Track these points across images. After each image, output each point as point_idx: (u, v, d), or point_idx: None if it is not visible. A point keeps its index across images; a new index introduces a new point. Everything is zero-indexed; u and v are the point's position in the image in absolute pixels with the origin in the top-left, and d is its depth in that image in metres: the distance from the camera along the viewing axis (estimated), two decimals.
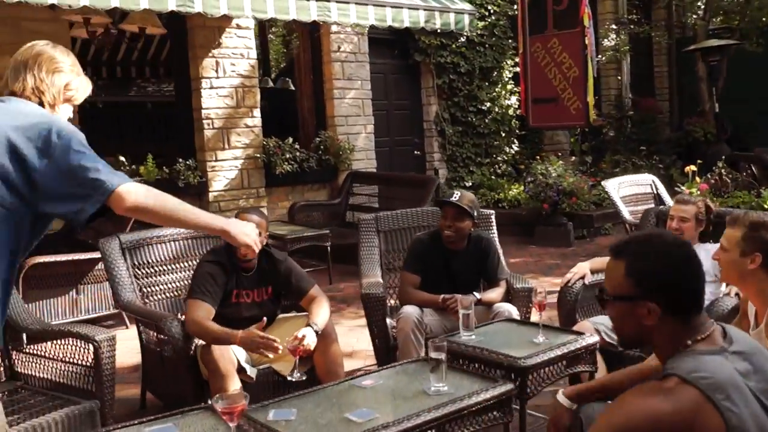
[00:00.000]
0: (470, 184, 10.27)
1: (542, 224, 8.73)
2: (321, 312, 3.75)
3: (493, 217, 5.00)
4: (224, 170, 8.12)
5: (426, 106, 10.33)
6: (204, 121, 7.96)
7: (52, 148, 2.10)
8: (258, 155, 8.28)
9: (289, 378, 3.55)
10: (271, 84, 12.29)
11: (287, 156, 8.39)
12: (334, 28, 8.98)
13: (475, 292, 4.10)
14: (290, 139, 8.61)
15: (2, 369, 3.67)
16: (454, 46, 10.10)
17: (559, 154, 10.21)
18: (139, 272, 4.28)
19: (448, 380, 2.92)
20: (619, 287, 1.90)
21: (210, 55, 7.98)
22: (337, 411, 2.74)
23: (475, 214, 4.19)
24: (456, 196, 4.18)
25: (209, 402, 2.75)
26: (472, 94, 10.37)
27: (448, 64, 10.10)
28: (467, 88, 10.35)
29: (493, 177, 10.39)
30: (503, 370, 3.08)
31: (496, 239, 4.90)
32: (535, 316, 4.06)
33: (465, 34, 8.93)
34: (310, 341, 3.50)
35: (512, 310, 4.01)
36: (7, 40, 6.66)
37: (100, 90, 12.27)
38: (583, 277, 4.11)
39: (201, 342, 3.54)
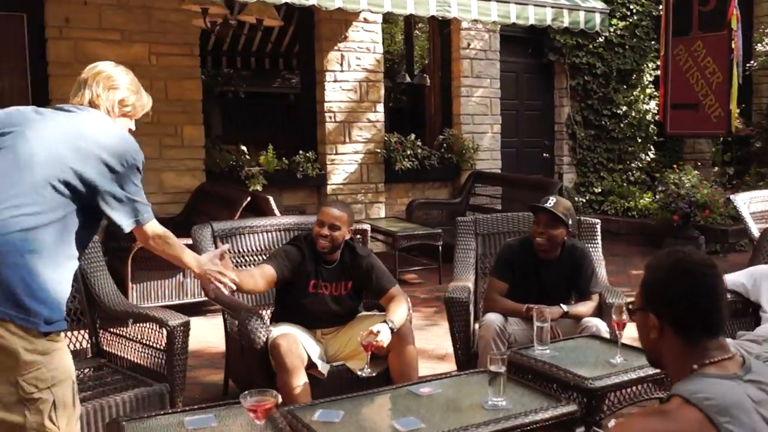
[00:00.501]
0: (599, 190, 9.81)
1: (672, 236, 8.18)
2: (398, 311, 3.64)
3: (598, 227, 4.70)
4: (344, 164, 8.15)
5: (558, 107, 9.95)
6: (326, 114, 8.03)
7: (120, 172, 2.34)
8: (378, 150, 8.26)
9: (359, 373, 3.48)
10: (408, 80, 12.26)
11: (408, 153, 8.32)
12: (464, 24, 8.82)
13: (563, 305, 3.85)
14: (412, 136, 8.54)
15: (90, 346, 3.81)
16: (591, 46, 9.66)
17: (699, 163, 9.54)
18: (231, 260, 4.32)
19: (509, 395, 2.74)
20: (636, 298, 1.83)
21: (335, 48, 8.03)
22: (385, 417, 2.63)
23: (570, 222, 3.95)
24: (551, 202, 3.94)
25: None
26: (607, 96, 9.88)
27: (584, 64, 9.68)
28: (603, 90, 9.87)
29: (624, 184, 9.87)
30: (570, 391, 2.86)
31: (599, 250, 4.62)
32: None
33: (603, 34, 8.48)
34: (384, 338, 3.39)
35: (601, 326, 3.73)
36: (137, 28, 6.99)
37: (241, 80, 12.74)
38: None
39: (273, 336, 3.51)
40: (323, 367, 3.55)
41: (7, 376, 2.09)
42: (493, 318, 3.81)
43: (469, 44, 8.91)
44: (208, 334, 5.33)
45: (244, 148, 7.69)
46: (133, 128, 2.63)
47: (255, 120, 12.18)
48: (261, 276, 3.57)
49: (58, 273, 2.22)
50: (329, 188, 8.05)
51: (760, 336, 3.61)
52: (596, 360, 3.15)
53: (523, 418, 2.55)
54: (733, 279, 4.03)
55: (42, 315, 2.13)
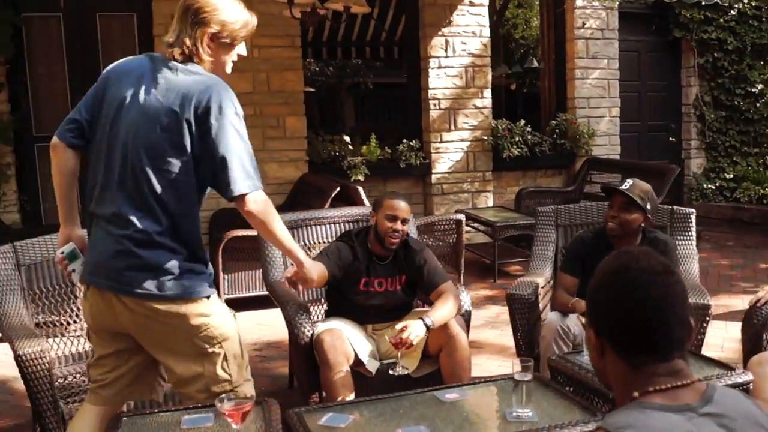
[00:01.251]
0: (731, 176, 9.05)
1: None
2: (442, 308, 3.46)
3: (692, 217, 4.27)
4: (449, 152, 7.95)
5: (685, 87, 9.25)
6: (431, 102, 7.85)
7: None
8: (486, 137, 8.00)
9: (391, 372, 3.36)
10: (536, 64, 11.85)
11: (516, 139, 8.01)
12: (579, 2, 8.37)
13: None
14: (522, 122, 8.21)
15: None
16: (721, 20, 8.89)
17: None
18: None
19: (542, 405, 2.52)
20: None
21: (440, 33, 7.82)
22: (394, 423, 2.47)
23: (648, 207, 3.58)
24: (627, 183, 3.59)
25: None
26: (741, 74, 9.07)
27: (713, 40, 8.93)
28: (735, 67, 9.07)
29: (760, 169, 9.05)
30: (610, 403, 2.58)
31: (693, 243, 4.20)
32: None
33: (734, 6, 7.76)
34: (414, 334, 3.24)
35: None
36: None
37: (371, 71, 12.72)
38: None
39: (319, 331, 3.43)
40: (371, 365, 3.42)
41: (185, 337, 2.41)
42: (554, 318, 3.54)
43: (584, 23, 8.43)
44: None
45: (347, 138, 7.67)
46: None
47: (376, 110, 12.19)
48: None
49: None
50: (433, 177, 7.89)
51: None
52: None
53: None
54: None
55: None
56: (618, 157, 8.62)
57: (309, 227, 4.32)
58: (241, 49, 2.54)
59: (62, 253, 2.55)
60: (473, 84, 7.98)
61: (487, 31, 8.01)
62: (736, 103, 9.11)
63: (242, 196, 2.37)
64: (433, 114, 7.86)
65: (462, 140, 7.98)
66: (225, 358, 2.46)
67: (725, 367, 2.79)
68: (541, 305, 3.98)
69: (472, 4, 7.89)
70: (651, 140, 9.14)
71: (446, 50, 7.86)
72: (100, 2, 7.12)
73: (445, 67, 7.87)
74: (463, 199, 7.98)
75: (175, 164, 2.35)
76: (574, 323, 3.55)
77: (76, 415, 2.65)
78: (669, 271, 1.43)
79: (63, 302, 3.57)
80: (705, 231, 8.69)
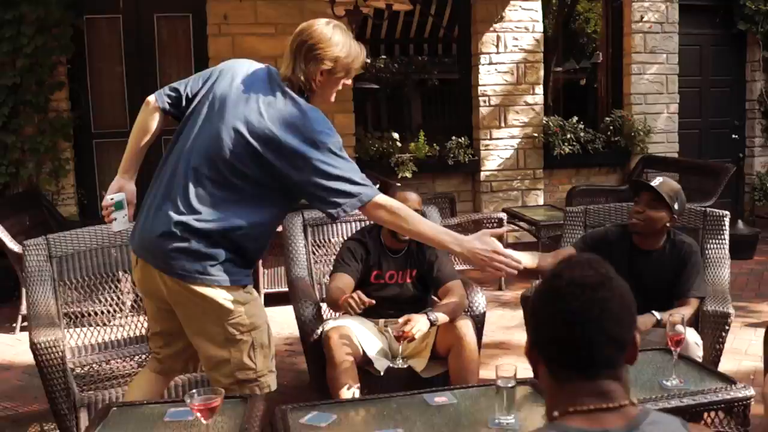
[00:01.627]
0: None
1: None
2: (449, 305, 3.48)
3: (726, 219, 4.11)
4: (499, 149, 7.89)
5: (750, 82, 8.90)
6: (480, 98, 7.80)
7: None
8: (536, 135, 7.89)
9: (390, 365, 3.38)
10: (596, 59, 11.60)
11: (568, 136, 7.87)
12: None
13: (655, 311, 3.38)
14: (575, 118, 8.07)
15: None
16: None
17: None
18: (318, 251, 4.36)
19: (525, 411, 2.51)
20: None
21: (491, 29, 7.76)
22: (375, 425, 2.50)
23: (676, 207, 3.47)
24: (657, 181, 3.50)
25: None
26: None
27: None
28: None
29: None
30: None
31: (725, 247, 4.04)
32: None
33: None
34: (417, 327, 3.26)
35: (692, 339, 3.25)
36: (290, 21, 7.14)
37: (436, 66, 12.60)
38: None
39: (327, 328, 3.48)
40: (379, 364, 3.43)
41: (216, 321, 2.49)
42: None
43: (642, 17, 8.21)
44: None
45: (395, 135, 7.69)
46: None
47: (441, 107, 12.10)
48: (346, 287, 3.52)
49: None
50: (482, 174, 7.84)
51: None
52: (651, 380, 2.74)
53: None
54: None
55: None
56: (676, 155, 8.37)
57: (327, 225, 4.38)
58: (347, 79, 2.62)
59: (111, 198, 2.62)
60: (524, 80, 7.89)
61: (540, 27, 7.90)
62: None
63: (363, 206, 2.47)
64: (483, 111, 7.81)
65: (512, 137, 7.90)
66: (252, 346, 2.54)
67: (726, 380, 2.69)
68: None
69: None
70: (713, 138, 8.82)
71: (497, 46, 7.79)
72: (158, 3, 7.32)
73: (495, 63, 7.80)
74: (512, 197, 7.91)
75: (251, 176, 2.44)
76: None
77: (135, 377, 2.92)
78: (602, 284, 1.33)
79: (93, 293, 3.72)
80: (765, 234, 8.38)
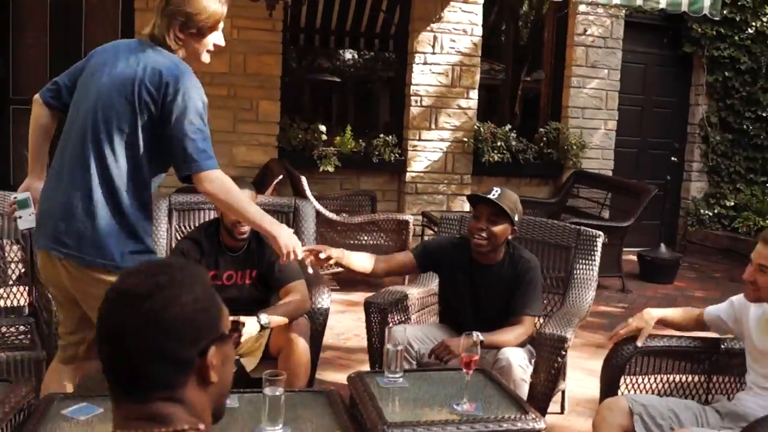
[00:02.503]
0: (732, 203, 8.57)
1: None
2: (285, 307, 3.33)
3: (599, 241, 3.97)
4: (427, 151, 7.74)
5: (693, 106, 8.80)
6: (412, 98, 7.65)
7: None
8: (466, 140, 7.75)
9: None
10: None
11: (498, 144, 7.73)
12: (582, 8, 8.03)
13: (478, 333, 3.23)
14: (507, 126, 7.92)
15: (27, 304, 3.90)
16: (736, 38, 8.39)
17: None
18: (180, 235, 4.19)
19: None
20: None
21: (428, 29, 7.62)
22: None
23: (516, 218, 3.33)
24: (495, 193, 3.29)
25: None
26: (752, 97, 8.54)
27: (725, 58, 8.42)
28: (747, 89, 8.53)
29: (766, 199, 8.51)
30: None
31: (595, 268, 3.89)
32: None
33: (714, 17, 7.10)
34: (245, 330, 3.11)
35: (515, 361, 3.09)
36: None
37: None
38: (638, 333, 3.06)
39: None
40: None
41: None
42: (401, 331, 3.33)
43: (585, 30, 8.09)
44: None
45: (322, 127, 7.51)
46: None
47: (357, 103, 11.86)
48: None
49: None
50: (408, 175, 7.69)
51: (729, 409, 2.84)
52: (442, 402, 2.58)
53: None
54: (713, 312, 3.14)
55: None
56: (611, 173, 8.26)
57: (194, 211, 4.23)
58: (216, 38, 2.61)
59: (14, 197, 2.73)
60: (459, 83, 7.74)
61: (479, 30, 7.75)
62: (744, 126, 8.58)
63: (198, 174, 2.45)
64: (414, 111, 7.66)
65: (442, 140, 7.75)
66: None
67: (521, 409, 2.52)
68: (414, 317, 3.79)
69: (466, 1, 7.65)
70: (651, 158, 8.70)
71: (433, 46, 7.64)
72: None
73: (430, 64, 7.65)
74: (437, 200, 7.77)
75: (130, 134, 2.46)
76: (418, 338, 3.35)
77: (48, 370, 2.87)
78: (151, 295, 1.19)
79: None
80: (697, 260, 8.30)
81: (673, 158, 8.67)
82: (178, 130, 2.41)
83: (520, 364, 3.12)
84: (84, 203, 2.44)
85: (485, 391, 2.68)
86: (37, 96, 2.71)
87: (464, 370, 2.59)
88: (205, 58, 2.64)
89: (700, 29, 8.31)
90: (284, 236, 2.68)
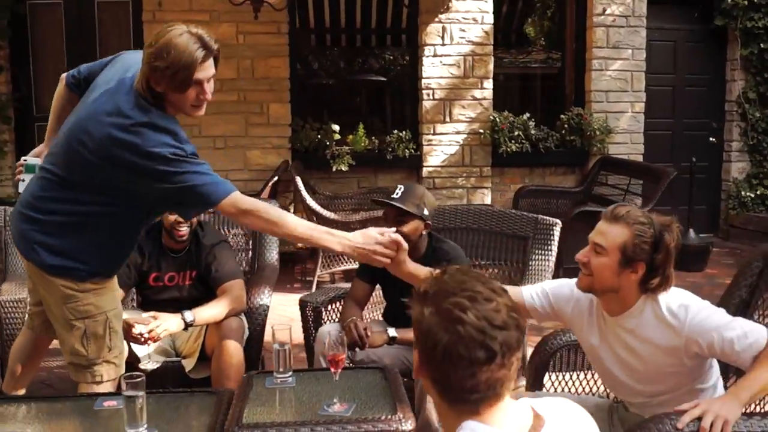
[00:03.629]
0: None
1: None
2: (214, 306, 3.33)
3: (556, 229, 3.80)
4: (443, 145, 7.58)
5: (729, 82, 8.31)
6: (424, 92, 7.51)
7: None
8: (482, 131, 7.55)
9: (141, 366, 3.24)
10: None
11: (515, 134, 7.49)
12: None
13: (391, 329, 3.11)
14: (526, 115, 7.67)
15: None
16: None
17: None
18: None
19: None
20: None
21: (436, 20, 7.46)
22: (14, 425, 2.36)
23: (426, 212, 3.21)
24: (397, 192, 3.21)
25: None
26: None
27: (760, 29, 7.89)
28: None
29: None
30: None
31: (552, 258, 3.72)
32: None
33: None
34: (163, 327, 3.14)
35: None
36: (225, 8, 6.93)
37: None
38: None
39: None
40: (146, 363, 3.34)
41: (58, 302, 2.62)
42: (328, 329, 3.25)
43: (604, 9, 7.75)
44: None
45: (335, 126, 7.44)
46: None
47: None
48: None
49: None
50: (425, 170, 7.55)
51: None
52: (317, 402, 2.49)
53: None
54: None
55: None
56: (641, 158, 7.88)
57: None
58: (204, 73, 2.46)
59: (25, 159, 2.87)
60: (472, 74, 7.56)
61: (490, 18, 7.54)
62: None
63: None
64: (427, 104, 7.52)
65: (458, 133, 7.58)
66: (85, 333, 2.62)
67: (393, 410, 2.38)
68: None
69: None
70: (687, 140, 8.24)
71: (442, 38, 7.48)
72: None
73: (440, 56, 7.50)
74: (457, 194, 7.60)
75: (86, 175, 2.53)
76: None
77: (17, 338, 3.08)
78: None
79: None
80: (739, 245, 7.86)
81: (711, 139, 8.21)
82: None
83: None
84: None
85: (373, 390, 2.55)
86: (63, 75, 2.87)
87: (332, 370, 2.48)
88: (194, 111, 2.56)
89: (731, 1, 7.84)
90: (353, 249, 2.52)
